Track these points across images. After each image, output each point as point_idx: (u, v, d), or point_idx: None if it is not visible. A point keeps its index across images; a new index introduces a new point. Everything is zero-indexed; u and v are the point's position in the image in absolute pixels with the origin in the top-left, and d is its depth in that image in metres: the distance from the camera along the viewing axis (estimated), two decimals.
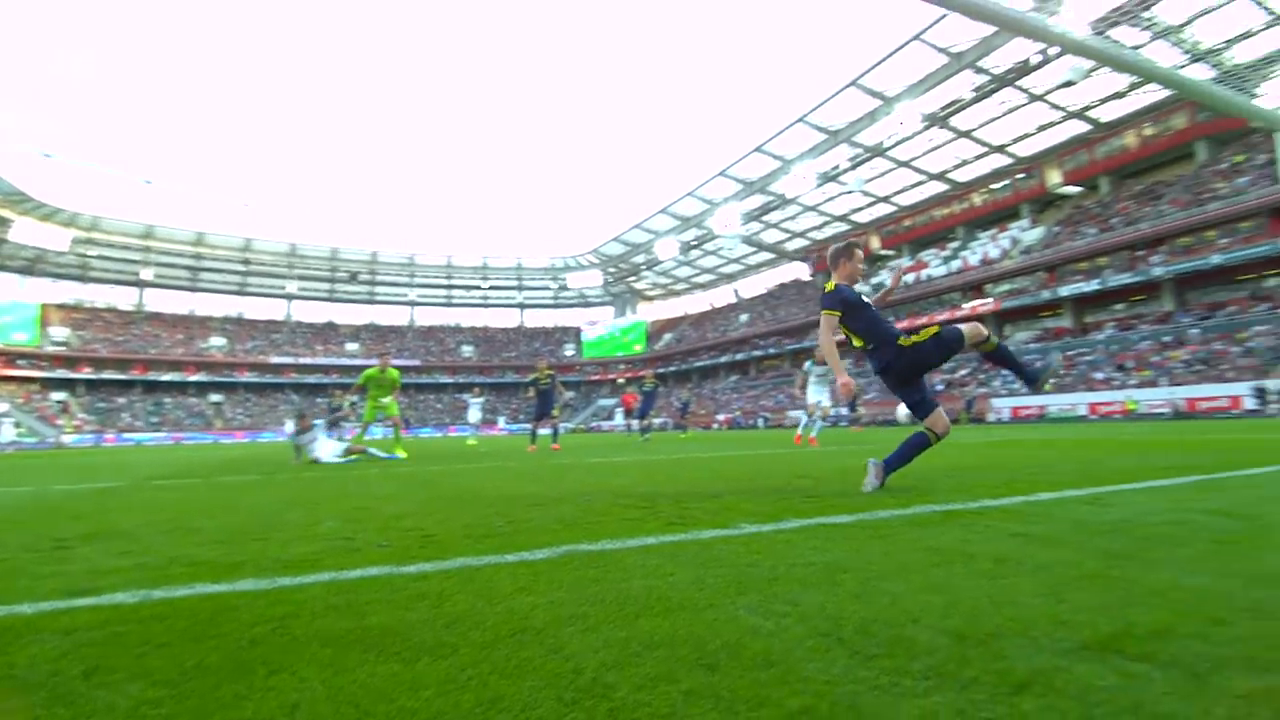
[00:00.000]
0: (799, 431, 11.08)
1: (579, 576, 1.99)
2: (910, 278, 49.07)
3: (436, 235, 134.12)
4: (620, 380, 26.24)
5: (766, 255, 64.08)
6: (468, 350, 76.67)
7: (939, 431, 3.98)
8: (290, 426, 9.38)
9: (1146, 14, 28.13)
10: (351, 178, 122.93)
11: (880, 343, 4.01)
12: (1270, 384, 23.96)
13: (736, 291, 71.38)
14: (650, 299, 79.91)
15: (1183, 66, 29.22)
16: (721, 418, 51.24)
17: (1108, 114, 37.59)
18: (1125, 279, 35.02)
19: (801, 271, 63.63)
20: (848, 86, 38.39)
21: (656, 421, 14.17)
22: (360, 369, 17.38)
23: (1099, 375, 33.44)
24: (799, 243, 60.49)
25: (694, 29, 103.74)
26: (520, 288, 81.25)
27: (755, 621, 1.50)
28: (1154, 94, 34.61)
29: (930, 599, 1.65)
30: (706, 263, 67.50)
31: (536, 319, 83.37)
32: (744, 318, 64.93)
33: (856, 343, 4.14)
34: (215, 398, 62.82)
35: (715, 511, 3.26)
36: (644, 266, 70.31)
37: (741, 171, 49.47)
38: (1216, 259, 31.09)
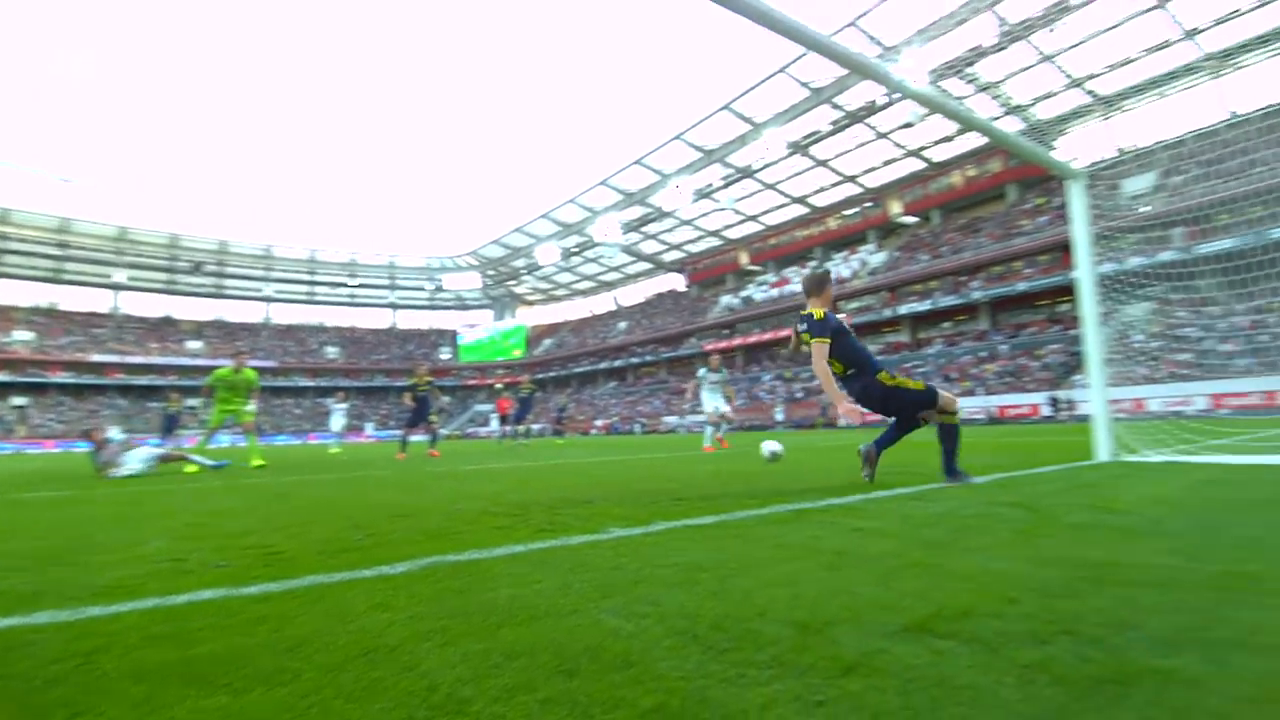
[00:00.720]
0: (708, 442, 11.01)
1: (441, 589, 1.91)
2: (775, 293, 52.10)
3: (298, 227, 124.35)
4: (498, 385, 25.52)
5: (645, 265, 65.45)
6: (332, 351, 71.54)
7: (951, 410, 4.26)
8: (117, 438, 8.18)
9: (971, 70, 31.94)
10: (197, 158, 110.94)
11: (860, 369, 4.29)
12: (1061, 394, 27.84)
13: (616, 299, 72.28)
14: (530, 304, 78.90)
15: (998, 118, 33.46)
16: (600, 423, 51.50)
17: (939, 155, 42.20)
18: (951, 301, 39.39)
19: (678, 282, 65.58)
20: (721, 110, 40.22)
21: (535, 427, 13.98)
22: (205, 369, 15.58)
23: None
24: (675, 254, 62.36)
25: (578, 40, 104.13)
26: (393, 287, 77.16)
27: (617, 624, 1.51)
28: (976, 140, 39.24)
29: (779, 592, 1.75)
30: (587, 270, 67.77)
31: (411, 320, 79.61)
32: (623, 325, 65.81)
33: (836, 368, 4.29)
34: (18, 401, 54.06)
35: (587, 517, 3.26)
36: (524, 271, 69.32)
37: (622, 182, 50.25)
38: (1022, 286, 35.81)
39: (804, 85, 36.57)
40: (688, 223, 54.77)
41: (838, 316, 4.36)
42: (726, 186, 47.18)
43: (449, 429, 56.79)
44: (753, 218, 53.23)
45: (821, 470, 5.95)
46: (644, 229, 55.94)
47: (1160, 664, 1.19)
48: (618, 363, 62.52)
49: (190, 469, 8.20)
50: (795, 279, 51.34)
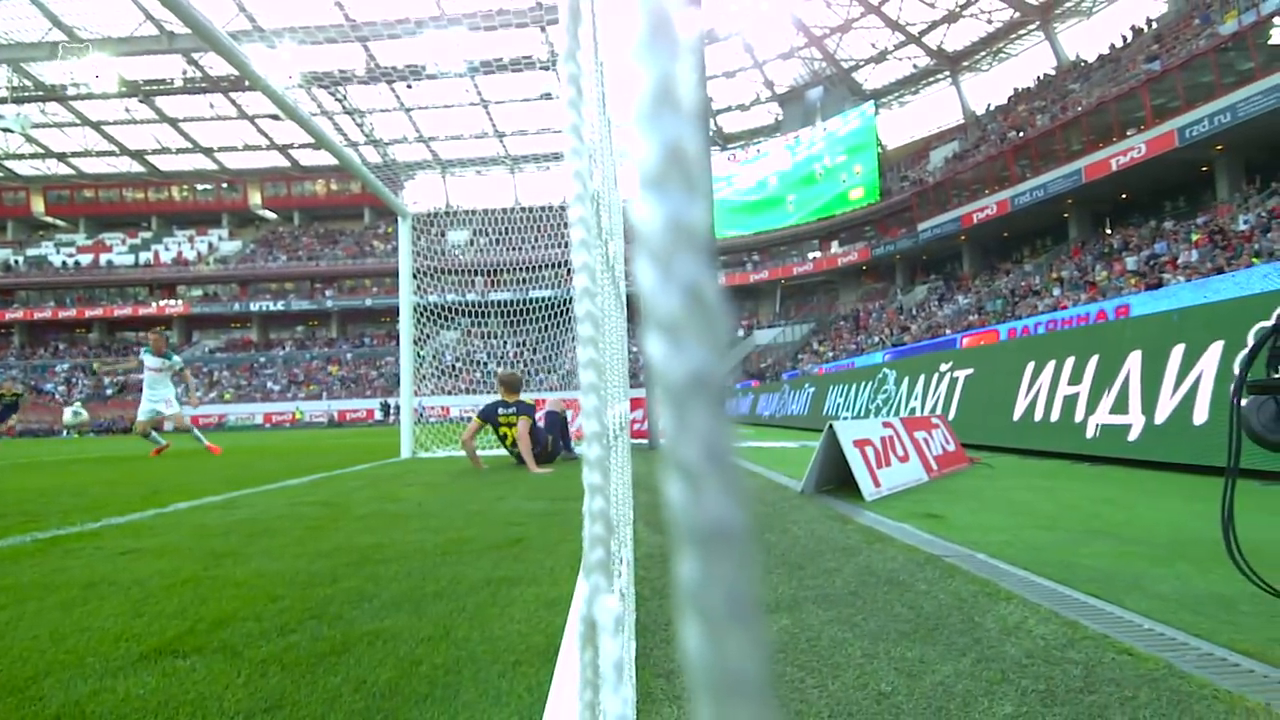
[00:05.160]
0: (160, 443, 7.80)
1: None
2: (86, 259, 39.53)
3: None
4: None
5: None
6: None
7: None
8: None
9: (342, 90, 32.54)
10: None
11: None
12: (392, 400, 30.92)
13: None
14: None
15: (358, 144, 35.02)
16: None
17: (306, 158, 40.97)
18: (305, 305, 38.67)
19: None
20: None
21: None
22: None
23: (275, 387, 35.27)
24: None
25: None
26: None
27: None
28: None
29: None
30: None
31: None
32: None
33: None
34: None
35: None
36: None
37: None
38: (370, 302, 38.36)
39: (152, 20, 29.52)
40: None
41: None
42: (19, 101, 33.24)
43: None
44: (59, 156, 39.10)
45: (121, 482, 4.78)
46: None
47: (377, 626, 1.42)
48: None
49: None
50: (119, 247, 40.33)
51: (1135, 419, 3.84)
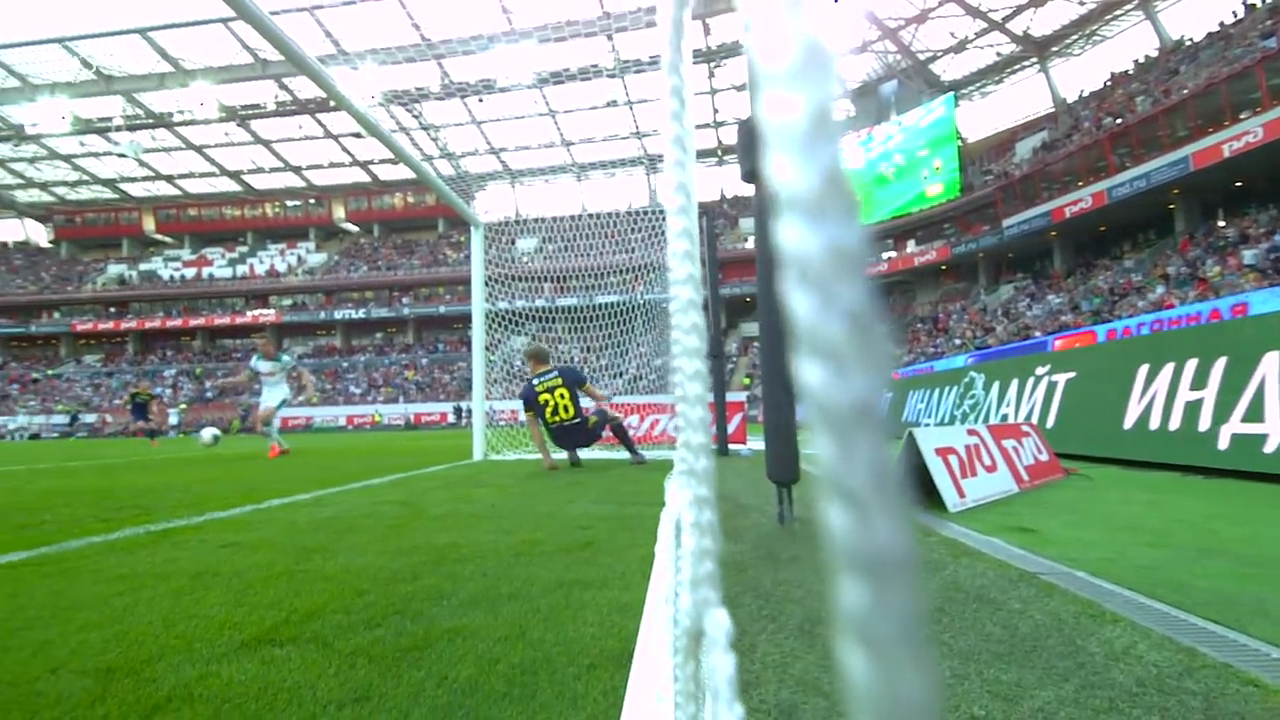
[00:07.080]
0: (273, 442, 8.26)
1: None
2: (190, 272, 43.10)
3: None
4: None
5: None
6: None
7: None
8: None
9: (418, 107, 34.08)
10: None
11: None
12: (464, 404, 32.00)
13: None
14: None
15: (432, 158, 36.52)
16: None
17: (385, 173, 43.18)
18: (384, 313, 40.70)
19: (36, 234, 46.86)
20: (134, 32, 31.18)
21: None
22: None
23: (357, 390, 37.27)
24: (38, 195, 44.49)
25: None
26: None
27: None
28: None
29: (91, 636, 1.42)
30: None
31: None
32: None
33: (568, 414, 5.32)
34: None
35: None
36: None
37: None
38: (443, 309, 39.95)
39: (248, 49, 31.93)
40: (65, 158, 40.01)
41: None
42: (132, 129, 36.70)
43: None
44: (167, 178, 42.85)
45: (220, 480, 5.17)
46: None
47: (456, 623, 1.47)
48: None
49: None
50: (219, 260, 43.73)
51: (1273, 428, 3.42)
